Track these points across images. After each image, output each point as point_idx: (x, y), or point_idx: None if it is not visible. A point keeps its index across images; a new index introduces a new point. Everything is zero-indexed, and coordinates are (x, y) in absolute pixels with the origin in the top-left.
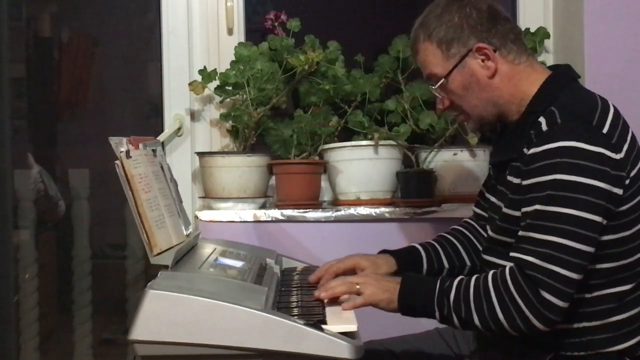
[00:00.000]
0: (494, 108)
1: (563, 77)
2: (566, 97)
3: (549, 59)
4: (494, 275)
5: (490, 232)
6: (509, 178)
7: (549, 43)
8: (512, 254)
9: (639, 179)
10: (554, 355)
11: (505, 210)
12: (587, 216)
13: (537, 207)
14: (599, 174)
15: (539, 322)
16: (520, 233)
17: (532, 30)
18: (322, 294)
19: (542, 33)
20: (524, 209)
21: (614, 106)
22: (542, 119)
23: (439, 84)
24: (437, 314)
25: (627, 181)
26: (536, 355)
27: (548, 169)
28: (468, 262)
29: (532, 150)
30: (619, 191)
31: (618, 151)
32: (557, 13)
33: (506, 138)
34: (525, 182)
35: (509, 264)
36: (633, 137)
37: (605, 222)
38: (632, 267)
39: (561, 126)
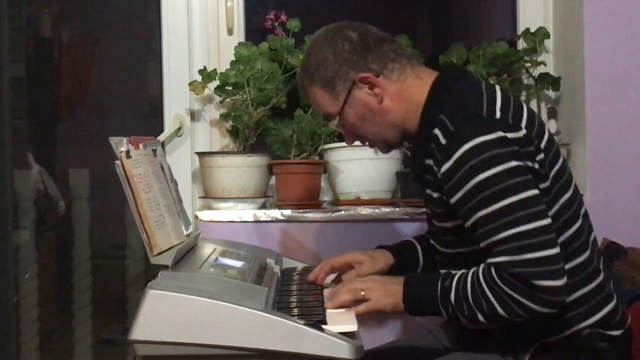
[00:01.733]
0: (394, 129)
1: (446, 80)
2: (451, 100)
3: (549, 59)
4: (484, 277)
5: (441, 249)
6: (427, 191)
7: (549, 43)
8: (488, 260)
9: (549, 150)
10: (538, 345)
11: (436, 223)
12: (525, 195)
13: (479, 214)
14: (511, 156)
15: (544, 307)
16: (482, 244)
17: (532, 30)
18: (329, 305)
19: (542, 33)
20: (467, 224)
21: (501, 90)
22: (437, 131)
23: (336, 121)
24: (444, 313)
25: (541, 155)
26: (522, 346)
27: (466, 176)
28: None
29: (444, 168)
30: (535, 165)
31: (517, 130)
32: (557, 13)
33: (413, 154)
34: (453, 200)
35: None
36: (530, 112)
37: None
38: (576, 238)
39: (456, 132)
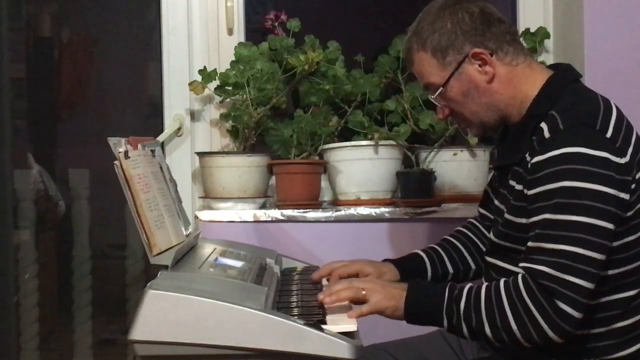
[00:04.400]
0: (495, 112)
1: (564, 78)
2: (567, 100)
3: (549, 59)
4: (506, 284)
5: (492, 237)
6: (511, 182)
7: (549, 43)
8: (522, 264)
9: None
10: None
11: (507, 215)
12: (597, 223)
13: (546, 216)
14: (606, 180)
15: (554, 333)
16: (530, 244)
17: (532, 30)
18: (327, 298)
19: (542, 33)
20: (532, 219)
21: (616, 107)
22: (543, 125)
23: (437, 93)
24: (445, 322)
25: (633, 185)
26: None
27: (554, 176)
28: (473, 266)
29: (536, 159)
30: (626, 196)
31: (623, 155)
32: (557, 13)
33: (508, 142)
34: (531, 192)
35: (519, 271)
36: (637, 138)
37: (615, 228)
38: (636, 272)
39: (564, 132)
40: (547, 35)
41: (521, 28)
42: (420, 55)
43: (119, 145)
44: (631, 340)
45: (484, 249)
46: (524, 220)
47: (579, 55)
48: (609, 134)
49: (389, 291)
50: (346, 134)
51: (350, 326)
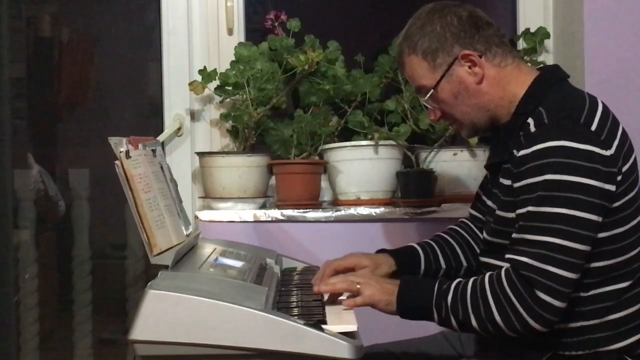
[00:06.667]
0: (485, 113)
1: (550, 77)
2: (553, 97)
3: (549, 59)
4: (490, 277)
5: (485, 235)
6: (501, 180)
7: (549, 43)
8: (507, 255)
9: (631, 174)
10: (551, 355)
11: (498, 212)
12: (579, 214)
13: (530, 208)
14: (590, 172)
15: (536, 322)
16: (514, 235)
17: (532, 30)
18: (322, 287)
19: (542, 33)
20: (517, 212)
21: (602, 103)
22: (530, 120)
23: (428, 95)
24: (435, 316)
25: (619, 177)
26: (534, 355)
27: (538, 170)
28: (465, 263)
29: (522, 152)
30: (612, 187)
31: (608, 148)
32: (557, 13)
33: (498, 141)
34: (516, 185)
35: (505, 265)
36: (623, 132)
37: (600, 219)
38: (628, 264)
39: (549, 126)
40: (547, 35)
41: (521, 28)
42: (411, 59)
43: (120, 144)
44: (626, 332)
45: (476, 248)
46: (512, 215)
47: (579, 55)
48: (593, 127)
49: (383, 286)
50: (346, 134)
51: (350, 326)
